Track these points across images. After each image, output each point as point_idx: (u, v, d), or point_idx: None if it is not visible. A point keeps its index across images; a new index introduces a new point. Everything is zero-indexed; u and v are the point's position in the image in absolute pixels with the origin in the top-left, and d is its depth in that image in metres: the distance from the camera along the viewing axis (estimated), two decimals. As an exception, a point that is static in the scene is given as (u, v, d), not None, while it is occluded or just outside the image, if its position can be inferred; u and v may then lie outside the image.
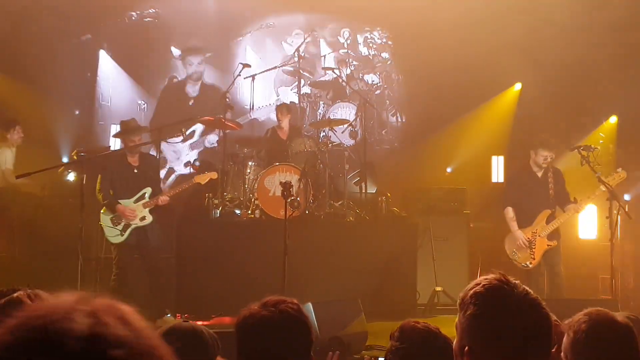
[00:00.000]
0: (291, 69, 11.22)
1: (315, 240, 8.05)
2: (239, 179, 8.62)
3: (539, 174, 7.60)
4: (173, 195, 7.59)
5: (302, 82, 10.84)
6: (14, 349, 0.84)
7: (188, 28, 11.32)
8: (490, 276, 1.86)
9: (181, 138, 8.46)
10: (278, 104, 9.98)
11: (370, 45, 11.91)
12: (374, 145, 11.36)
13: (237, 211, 8.37)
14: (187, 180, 8.18)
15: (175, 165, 11.34)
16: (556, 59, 10.06)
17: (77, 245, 6.70)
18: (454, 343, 1.92)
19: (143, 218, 7.36)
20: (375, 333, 6.21)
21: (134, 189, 7.40)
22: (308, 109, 11.51)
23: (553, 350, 1.93)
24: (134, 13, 11.41)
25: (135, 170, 7.46)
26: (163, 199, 7.37)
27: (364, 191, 8.89)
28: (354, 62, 11.86)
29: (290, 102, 10.91)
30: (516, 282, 1.86)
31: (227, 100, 8.75)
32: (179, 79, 11.61)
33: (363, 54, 11.91)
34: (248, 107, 10.25)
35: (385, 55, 11.92)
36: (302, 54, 10.41)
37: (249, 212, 8.25)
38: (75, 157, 9.04)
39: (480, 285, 1.84)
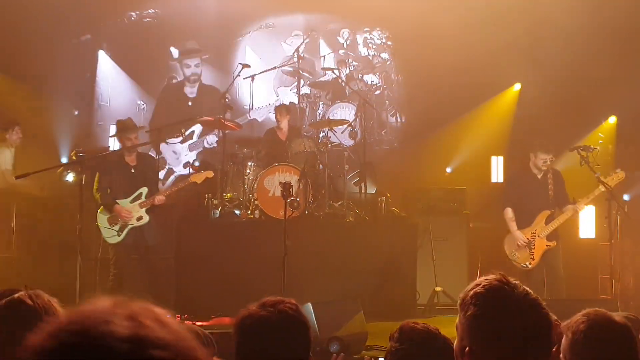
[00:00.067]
0: (291, 69, 11.22)
1: (315, 241, 8.05)
2: (238, 180, 8.62)
3: (539, 176, 7.61)
4: (169, 195, 7.60)
5: (302, 82, 10.84)
6: (58, 353, 0.85)
7: (188, 28, 11.31)
8: (490, 277, 1.86)
9: (180, 138, 8.47)
10: (277, 104, 9.98)
11: (370, 45, 11.90)
12: (373, 146, 11.35)
13: (237, 211, 8.37)
14: (184, 180, 8.19)
15: (174, 166, 11.34)
16: (556, 59, 10.06)
17: (76, 245, 6.71)
18: (455, 344, 1.92)
19: (140, 218, 7.37)
20: (375, 333, 6.21)
21: (130, 189, 7.40)
22: (307, 109, 11.50)
23: (553, 350, 1.94)
24: (133, 13, 11.40)
25: (133, 170, 7.47)
26: (159, 198, 7.38)
27: (363, 191, 8.89)
28: (354, 63, 11.85)
29: (290, 102, 10.91)
30: (516, 282, 1.87)
31: (227, 100, 8.75)
32: (178, 79, 11.60)
33: (362, 55, 11.91)
34: (247, 107, 10.25)
35: (384, 55, 11.92)
36: (302, 55, 10.41)
37: (249, 212, 8.25)
38: (74, 158, 9.03)
39: (481, 286, 1.84)
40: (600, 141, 9.99)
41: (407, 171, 10.67)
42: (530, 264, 7.46)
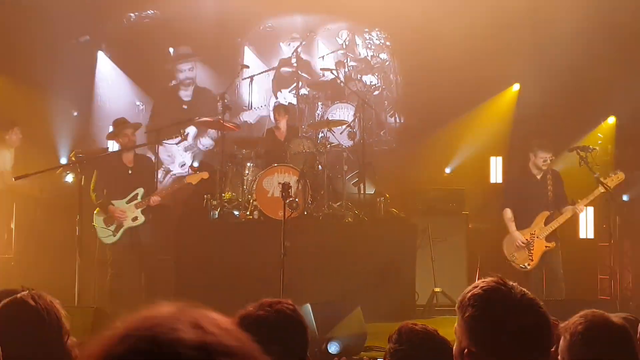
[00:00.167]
0: (289, 70, 11.22)
1: (314, 242, 8.05)
2: (237, 180, 8.62)
3: (538, 177, 7.61)
4: (165, 196, 7.61)
5: (300, 83, 10.84)
6: (128, 358, 0.85)
7: (187, 30, 11.31)
8: (488, 279, 1.87)
9: (179, 139, 8.46)
10: (275, 105, 9.99)
11: (369, 46, 11.91)
12: (372, 146, 11.35)
13: (236, 212, 8.37)
14: (179, 181, 8.20)
15: (170, 167, 11.34)
16: (555, 59, 10.06)
17: (75, 246, 6.71)
18: (454, 346, 1.92)
19: (135, 218, 7.38)
20: (374, 334, 6.20)
21: (127, 190, 7.41)
22: (306, 110, 11.50)
23: (552, 349, 1.94)
24: (132, 14, 11.40)
25: (130, 171, 7.48)
26: (154, 199, 7.39)
27: (362, 192, 8.89)
28: (352, 63, 11.85)
29: (288, 103, 10.91)
30: (514, 284, 1.87)
31: (225, 101, 8.75)
32: (173, 82, 11.60)
33: (361, 55, 11.91)
34: (246, 108, 10.25)
35: (383, 56, 11.92)
36: (300, 55, 10.41)
37: (248, 213, 8.25)
38: (73, 159, 9.03)
39: (478, 287, 1.86)
40: (599, 142, 9.98)
41: (406, 172, 10.67)
42: (529, 264, 7.46)
